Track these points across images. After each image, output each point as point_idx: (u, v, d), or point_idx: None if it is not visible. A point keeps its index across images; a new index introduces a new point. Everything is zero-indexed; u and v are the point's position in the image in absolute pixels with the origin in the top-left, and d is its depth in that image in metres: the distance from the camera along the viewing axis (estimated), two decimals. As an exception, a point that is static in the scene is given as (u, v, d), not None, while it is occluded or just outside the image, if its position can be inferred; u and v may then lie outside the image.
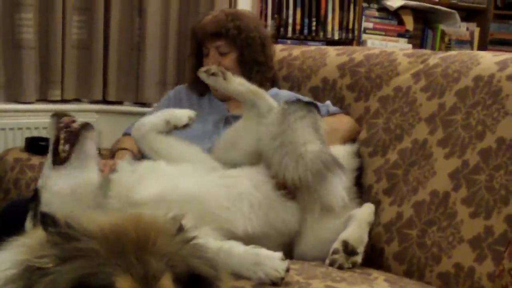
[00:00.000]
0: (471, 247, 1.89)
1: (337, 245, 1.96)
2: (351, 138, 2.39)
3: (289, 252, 2.03)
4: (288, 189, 2.10)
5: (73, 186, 1.99)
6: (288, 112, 2.12)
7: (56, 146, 2.05)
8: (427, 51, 2.49)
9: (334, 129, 2.29)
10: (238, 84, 2.21)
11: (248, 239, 1.93)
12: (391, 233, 2.10)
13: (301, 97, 2.47)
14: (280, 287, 1.67)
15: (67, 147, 2.03)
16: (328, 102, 2.53)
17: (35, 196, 2.05)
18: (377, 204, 2.19)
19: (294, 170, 2.05)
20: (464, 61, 2.20)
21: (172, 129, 2.16)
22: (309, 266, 1.88)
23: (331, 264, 1.92)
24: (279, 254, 1.73)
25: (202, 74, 2.22)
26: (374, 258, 2.13)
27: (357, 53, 2.61)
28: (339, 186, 2.06)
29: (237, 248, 1.78)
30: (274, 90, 2.66)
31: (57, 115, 2.12)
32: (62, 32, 3.58)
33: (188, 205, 1.92)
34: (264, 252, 1.75)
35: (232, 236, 1.94)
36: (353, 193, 2.23)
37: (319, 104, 2.37)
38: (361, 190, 2.28)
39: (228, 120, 2.55)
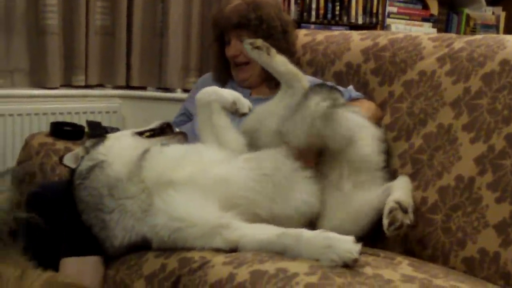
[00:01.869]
0: (496, 232, 1.88)
1: (391, 204, 1.95)
2: (374, 123, 2.37)
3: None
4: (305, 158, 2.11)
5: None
6: (309, 94, 2.11)
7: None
8: (452, 35, 2.47)
9: None
10: (280, 62, 2.25)
11: (271, 221, 1.94)
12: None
13: (323, 82, 2.46)
14: (304, 274, 1.66)
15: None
16: (350, 87, 2.52)
17: None
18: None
19: (303, 126, 2.06)
20: (490, 45, 2.18)
21: (233, 111, 2.19)
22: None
23: (392, 222, 1.91)
24: (351, 238, 1.73)
25: (247, 46, 2.25)
26: (398, 242, 2.13)
27: (381, 38, 2.59)
28: (369, 137, 2.10)
29: (306, 233, 1.80)
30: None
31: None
32: (85, 18, 3.60)
33: (216, 188, 1.97)
34: (334, 235, 1.75)
35: (257, 219, 1.95)
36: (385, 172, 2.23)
37: (341, 89, 2.35)
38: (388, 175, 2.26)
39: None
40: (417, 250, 2.07)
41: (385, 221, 1.93)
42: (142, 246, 2.02)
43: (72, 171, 2.17)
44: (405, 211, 1.95)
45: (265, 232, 1.88)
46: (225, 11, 2.64)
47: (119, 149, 2.16)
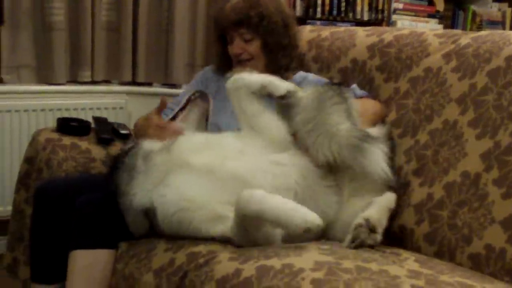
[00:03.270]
0: (502, 228, 1.87)
1: (359, 220, 1.95)
2: (378, 121, 2.38)
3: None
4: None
5: None
6: (323, 98, 2.12)
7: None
8: (458, 32, 2.46)
9: (361, 113, 2.28)
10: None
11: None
12: (422, 214, 2.09)
13: (327, 80, 2.47)
14: (309, 270, 1.66)
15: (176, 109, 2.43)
16: (354, 86, 2.51)
17: None
18: (407, 185, 2.18)
19: (327, 148, 2.05)
20: (495, 41, 2.17)
21: (265, 94, 2.16)
22: (340, 247, 1.88)
23: (354, 239, 1.91)
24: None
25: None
26: (404, 239, 2.13)
27: (387, 34, 2.59)
28: (379, 156, 2.04)
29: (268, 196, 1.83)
30: (302, 73, 2.66)
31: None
32: (91, 14, 3.62)
33: (231, 184, 1.97)
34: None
35: None
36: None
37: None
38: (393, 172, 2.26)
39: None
40: (424, 246, 2.07)
41: (348, 236, 1.93)
42: (149, 217, 2.07)
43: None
44: (371, 230, 1.94)
45: None
46: (225, 10, 2.63)
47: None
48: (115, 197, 2.13)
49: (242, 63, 2.63)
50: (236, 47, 2.62)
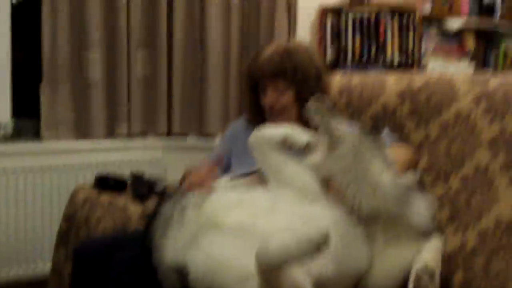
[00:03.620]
0: (536, 275, 1.87)
1: (419, 270, 1.95)
2: (410, 168, 2.37)
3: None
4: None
5: None
6: (361, 147, 2.13)
7: None
8: (486, 75, 2.47)
9: (393, 159, 2.29)
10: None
11: (319, 283, 1.94)
12: (456, 262, 2.08)
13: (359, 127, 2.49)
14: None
15: None
16: (386, 131, 2.52)
17: None
18: (441, 232, 2.17)
19: (372, 200, 2.06)
20: (524, 83, 2.18)
21: (287, 147, 2.19)
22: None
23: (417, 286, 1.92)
24: None
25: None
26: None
27: (416, 80, 2.60)
28: (423, 206, 2.06)
29: None
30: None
31: None
32: (127, 68, 3.70)
33: (247, 242, 1.94)
34: None
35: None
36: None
37: None
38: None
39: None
40: (460, 294, 2.06)
41: (410, 286, 1.93)
42: (182, 277, 2.07)
43: None
44: (431, 276, 1.95)
45: None
46: (259, 62, 2.65)
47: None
48: (149, 255, 2.15)
49: (275, 113, 2.65)
50: (270, 98, 2.63)
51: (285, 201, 2.10)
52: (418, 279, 1.94)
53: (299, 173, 2.17)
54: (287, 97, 2.62)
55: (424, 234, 2.12)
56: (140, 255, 2.20)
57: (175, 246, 2.06)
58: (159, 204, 2.26)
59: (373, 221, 2.12)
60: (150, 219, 2.23)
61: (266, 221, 2.02)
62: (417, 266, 1.96)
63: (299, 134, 2.19)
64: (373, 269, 2.09)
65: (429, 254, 2.02)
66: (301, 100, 2.62)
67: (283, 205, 2.09)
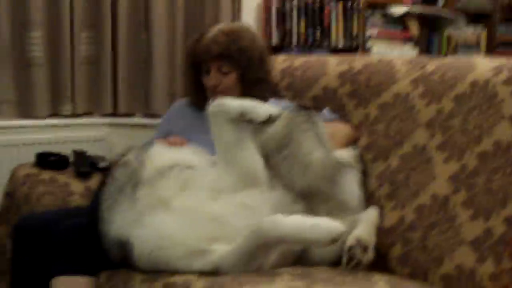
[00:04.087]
0: (471, 249, 1.93)
1: (351, 242, 2.00)
2: (349, 144, 2.42)
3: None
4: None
5: None
6: (292, 124, 2.16)
7: None
8: (424, 58, 2.53)
9: (331, 135, 2.33)
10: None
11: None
12: (394, 237, 2.14)
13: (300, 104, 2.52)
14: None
15: None
16: (325, 110, 2.56)
17: None
18: (380, 209, 2.23)
19: (303, 179, 2.10)
20: (459, 67, 2.24)
21: (246, 121, 2.13)
22: (312, 270, 1.92)
23: (350, 260, 1.98)
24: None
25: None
26: (378, 262, 2.16)
27: (357, 62, 2.65)
28: (352, 184, 2.12)
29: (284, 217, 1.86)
30: (273, 100, 2.70)
31: None
32: (70, 49, 3.66)
33: (208, 223, 1.99)
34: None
35: None
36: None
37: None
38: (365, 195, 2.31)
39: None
40: (397, 268, 2.11)
41: (344, 259, 1.99)
42: (125, 254, 2.08)
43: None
44: (364, 249, 2.00)
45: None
46: (204, 42, 2.66)
47: (160, 155, 2.23)
48: (95, 224, 2.16)
49: (217, 94, 2.67)
50: (213, 79, 2.64)
51: (228, 185, 2.10)
52: (351, 251, 1.99)
53: (248, 157, 2.14)
54: (231, 79, 2.64)
55: (357, 208, 2.18)
56: (85, 226, 2.20)
57: (122, 221, 2.07)
58: (111, 170, 2.24)
59: (311, 196, 2.16)
60: (101, 185, 2.22)
61: (211, 205, 2.04)
62: (350, 239, 2.01)
63: (259, 108, 2.14)
64: None
65: (363, 226, 2.08)
66: (244, 82, 2.65)
67: (226, 188, 2.09)
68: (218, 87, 2.64)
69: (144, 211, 2.04)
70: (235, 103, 2.15)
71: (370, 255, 2.02)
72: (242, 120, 2.12)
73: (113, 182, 2.15)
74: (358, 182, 2.20)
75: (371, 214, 2.18)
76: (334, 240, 1.80)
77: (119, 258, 2.11)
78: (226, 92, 2.63)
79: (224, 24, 2.79)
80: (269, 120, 2.11)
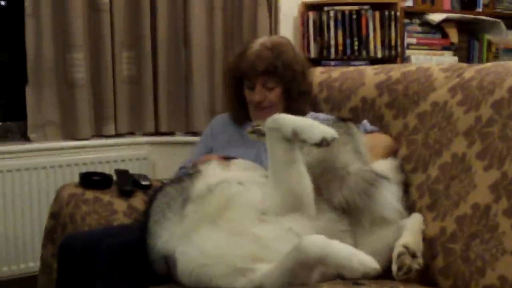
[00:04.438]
0: (515, 258, 1.89)
1: (399, 249, 2.00)
2: (389, 155, 2.41)
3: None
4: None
5: None
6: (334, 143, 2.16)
7: None
8: (463, 65, 2.50)
9: (372, 147, 2.32)
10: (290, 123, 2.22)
11: None
12: (436, 248, 2.11)
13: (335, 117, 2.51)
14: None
15: None
16: (364, 121, 2.56)
17: None
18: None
19: (339, 194, 2.10)
20: (498, 72, 2.20)
21: (299, 141, 2.02)
22: (349, 284, 1.90)
23: (400, 268, 1.97)
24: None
25: (251, 136, 2.25)
26: (419, 274, 2.14)
27: (394, 71, 2.64)
28: (388, 197, 2.10)
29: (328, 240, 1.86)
30: (312, 114, 2.70)
31: None
32: (112, 69, 3.72)
33: (251, 242, 1.98)
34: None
35: None
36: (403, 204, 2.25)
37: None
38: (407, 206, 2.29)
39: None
40: (439, 280, 2.08)
41: (394, 266, 1.98)
42: (168, 268, 2.10)
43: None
44: (413, 255, 2.00)
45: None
46: (248, 58, 2.64)
47: (210, 172, 2.23)
48: (140, 243, 2.18)
49: (260, 110, 2.67)
50: (258, 94, 2.65)
51: (273, 207, 2.05)
52: (400, 258, 1.99)
53: (295, 180, 2.06)
54: (276, 94, 2.65)
55: (395, 221, 2.17)
56: (130, 242, 2.23)
57: (168, 236, 2.09)
58: (161, 185, 2.27)
59: (351, 210, 2.16)
60: (151, 200, 2.25)
61: (256, 227, 2.02)
62: (397, 247, 2.01)
63: (314, 129, 1.99)
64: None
65: (408, 233, 2.08)
66: (288, 97, 2.66)
67: (271, 211, 2.06)
68: (263, 103, 2.65)
69: (190, 227, 2.05)
70: (289, 121, 2.03)
71: (419, 261, 2.01)
72: (294, 139, 2.02)
73: (163, 197, 2.18)
74: (396, 194, 2.18)
75: (415, 221, 2.17)
76: (366, 275, 1.82)
77: (164, 272, 2.13)
78: (271, 107, 2.64)
79: (265, 38, 2.79)
80: (322, 143, 1.97)
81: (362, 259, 1.83)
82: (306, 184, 2.05)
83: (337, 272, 1.89)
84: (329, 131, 1.99)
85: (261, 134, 2.21)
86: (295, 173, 2.04)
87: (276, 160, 2.06)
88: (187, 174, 2.25)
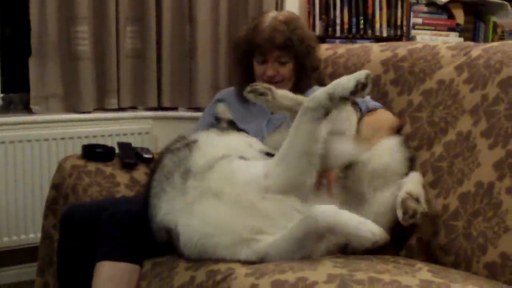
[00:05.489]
0: (517, 236, 1.89)
1: (403, 195, 2.06)
2: (394, 132, 2.40)
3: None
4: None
5: None
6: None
7: None
8: (470, 43, 2.49)
9: (377, 127, 2.32)
10: (284, 98, 2.24)
11: None
12: (438, 225, 2.11)
13: None
14: (323, 282, 1.69)
15: None
16: (367, 98, 2.53)
17: None
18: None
19: None
20: (505, 51, 2.19)
21: (339, 103, 2.00)
22: (354, 259, 1.91)
23: (405, 212, 2.02)
24: None
25: (249, 95, 2.22)
26: (421, 250, 2.16)
27: (401, 48, 2.62)
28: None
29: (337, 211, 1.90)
30: (316, 87, 2.69)
31: None
32: (116, 43, 3.70)
33: (256, 214, 2.00)
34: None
35: None
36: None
37: (357, 100, 2.38)
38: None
39: (271, 121, 2.61)
40: (440, 257, 2.09)
41: (399, 212, 2.04)
42: (170, 239, 2.11)
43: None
44: (416, 200, 2.05)
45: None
46: (264, 31, 2.62)
47: (210, 143, 2.24)
48: (142, 214, 2.18)
49: (271, 85, 2.65)
50: (271, 69, 2.63)
51: (272, 186, 2.04)
52: (404, 203, 2.03)
53: (303, 170, 2.04)
54: (288, 68, 2.64)
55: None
56: (132, 214, 2.23)
57: (169, 208, 2.09)
58: (161, 156, 2.26)
59: (355, 178, 2.17)
60: (151, 173, 2.25)
61: (261, 202, 2.03)
62: (400, 195, 2.06)
63: (343, 80, 2.02)
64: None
65: (409, 184, 2.13)
66: (300, 72, 2.65)
67: (270, 190, 2.04)
68: (275, 78, 2.63)
69: (192, 201, 2.05)
70: (321, 92, 2.01)
71: (423, 205, 2.06)
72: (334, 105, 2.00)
73: (161, 169, 2.18)
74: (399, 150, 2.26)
75: (414, 175, 2.22)
76: (375, 243, 1.84)
77: (165, 241, 2.13)
78: (282, 82, 2.63)
79: (275, 13, 2.77)
80: (358, 87, 1.98)
81: (371, 228, 1.85)
82: (312, 176, 2.05)
83: (347, 242, 1.94)
84: (358, 74, 2.01)
85: (259, 93, 2.21)
86: (307, 163, 2.02)
87: (296, 144, 2.02)
88: (184, 143, 2.23)
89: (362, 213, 2.04)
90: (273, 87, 2.24)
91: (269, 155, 2.19)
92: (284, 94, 2.25)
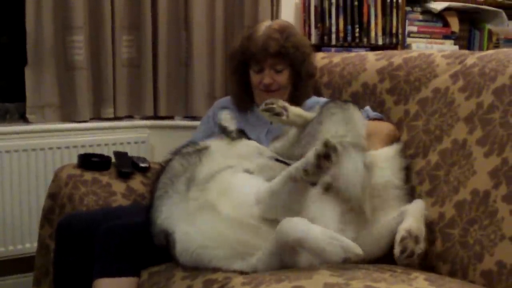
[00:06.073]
0: (512, 244, 1.89)
1: (402, 233, 2.00)
2: (392, 142, 2.40)
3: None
4: None
5: None
6: (324, 109, 2.18)
7: None
8: (465, 52, 2.50)
9: (374, 133, 2.32)
10: (298, 117, 2.28)
11: None
12: (434, 233, 2.11)
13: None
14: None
15: None
16: (367, 108, 2.55)
17: None
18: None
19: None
20: (500, 60, 2.20)
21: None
22: (350, 267, 1.90)
23: (403, 251, 1.97)
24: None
25: (264, 113, 2.25)
26: (422, 259, 2.15)
27: (396, 57, 2.63)
28: (351, 166, 2.00)
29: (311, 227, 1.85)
30: (315, 98, 2.70)
31: None
32: (112, 52, 3.70)
33: (250, 229, 2.01)
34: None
35: None
36: (404, 190, 2.25)
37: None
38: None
39: (270, 131, 2.61)
40: (437, 265, 2.09)
41: (397, 250, 1.99)
42: (167, 244, 2.11)
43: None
44: (416, 239, 2.00)
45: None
46: (259, 40, 2.64)
47: (220, 151, 2.25)
48: (139, 224, 2.18)
49: (267, 93, 2.66)
50: (267, 77, 2.65)
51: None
52: (403, 242, 1.99)
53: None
54: (284, 76, 2.65)
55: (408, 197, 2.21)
56: (127, 226, 2.23)
57: (169, 213, 2.09)
58: (170, 158, 2.27)
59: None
60: (158, 174, 2.25)
61: (260, 221, 2.03)
62: (400, 231, 2.01)
63: None
64: (365, 239, 2.08)
65: (411, 218, 2.07)
66: (296, 79, 2.66)
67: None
68: (271, 86, 2.64)
69: (192, 211, 2.07)
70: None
71: (422, 245, 2.01)
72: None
73: (168, 172, 2.18)
74: (361, 165, 2.07)
75: (417, 206, 2.16)
76: (346, 260, 1.80)
77: (163, 246, 2.13)
78: (279, 91, 2.64)
79: (270, 22, 2.79)
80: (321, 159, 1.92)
81: (344, 244, 1.81)
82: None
83: (318, 258, 1.87)
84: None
85: (274, 113, 2.21)
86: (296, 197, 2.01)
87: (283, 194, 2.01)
88: (196, 148, 2.24)
89: (363, 233, 2.07)
90: (287, 105, 2.26)
91: (279, 161, 2.22)
92: (297, 113, 2.28)
